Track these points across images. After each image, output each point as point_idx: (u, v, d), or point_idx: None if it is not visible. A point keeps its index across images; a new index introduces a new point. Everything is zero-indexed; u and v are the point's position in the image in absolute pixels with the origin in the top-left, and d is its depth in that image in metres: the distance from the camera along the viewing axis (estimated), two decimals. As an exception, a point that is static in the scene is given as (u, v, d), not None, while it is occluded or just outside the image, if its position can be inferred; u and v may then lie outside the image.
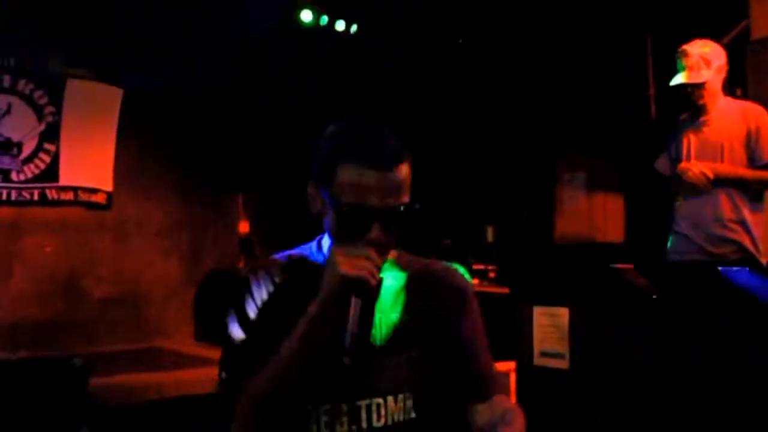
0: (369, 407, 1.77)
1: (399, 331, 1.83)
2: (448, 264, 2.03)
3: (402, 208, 1.72)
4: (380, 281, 1.68)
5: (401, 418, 1.80)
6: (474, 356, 1.90)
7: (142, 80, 7.33)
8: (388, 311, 1.83)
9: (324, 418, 1.74)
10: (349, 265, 1.63)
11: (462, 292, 1.96)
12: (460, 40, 7.62)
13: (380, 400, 1.77)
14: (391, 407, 1.78)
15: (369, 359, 1.76)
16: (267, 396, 1.70)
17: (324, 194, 1.77)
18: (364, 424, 1.76)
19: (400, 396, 1.79)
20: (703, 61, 4.25)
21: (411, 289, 1.89)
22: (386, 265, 1.79)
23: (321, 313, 1.67)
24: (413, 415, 1.81)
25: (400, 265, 1.92)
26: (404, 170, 1.73)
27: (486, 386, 1.88)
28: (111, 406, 4.95)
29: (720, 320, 3.69)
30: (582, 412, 4.02)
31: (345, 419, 1.75)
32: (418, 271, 1.93)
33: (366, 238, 1.69)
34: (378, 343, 1.80)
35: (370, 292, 1.66)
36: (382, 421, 1.77)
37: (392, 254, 1.87)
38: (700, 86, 4.27)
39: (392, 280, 1.87)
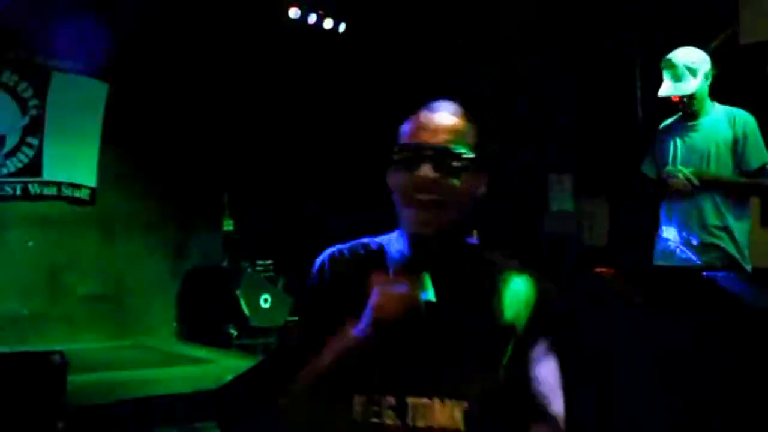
0: (416, 406, 1.68)
1: (472, 335, 1.72)
2: (539, 276, 1.83)
3: (456, 150, 1.69)
4: (419, 307, 1.65)
5: (447, 425, 1.68)
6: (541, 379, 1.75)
7: (128, 75, 7.29)
8: (465, 313, 1.74)
9: (372, 408, 1.70)
10: (380, 310, 1.64)
11: (547, 310, 1.78)
12: (460, 41, 7.61)
13: (427, 401, 1.68)
14: (438, 410, 1.68)
15: (430, 356, 1.71)
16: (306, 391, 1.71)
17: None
18: (410, 422, 1.68)
19: (449, 402, 1.68)
20: (689, 71, 4.23)
21: (496, 296, 1.76)
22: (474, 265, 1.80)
23: (357, 343, 1.67)
24: (462, 426, 1.67)
25: (493, 264, 1.83)
26: (462, 123, 1.75)
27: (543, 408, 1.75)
28: (90, 404, 4.92)
29: (704, 326, 3.69)
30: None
31: (391, 413, 1.69)
32: (506, 277, 1.80)
33: (414, 174, 1.68)
34: (445, 342, 1.72)
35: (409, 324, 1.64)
36: (425, 423, 1.68)
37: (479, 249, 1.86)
38: (686, 97, 4.27)
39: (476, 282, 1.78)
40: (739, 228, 4.20)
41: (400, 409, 1.67)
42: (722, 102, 4.39)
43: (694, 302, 3.73)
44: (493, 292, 1.75)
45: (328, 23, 7.51)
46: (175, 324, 7.81)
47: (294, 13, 7.30)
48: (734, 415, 3.53)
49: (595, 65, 6.30)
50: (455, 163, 1.69)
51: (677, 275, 4.12)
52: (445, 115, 1.74)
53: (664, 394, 3.72)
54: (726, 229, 4.18)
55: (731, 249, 4.17)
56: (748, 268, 4.19)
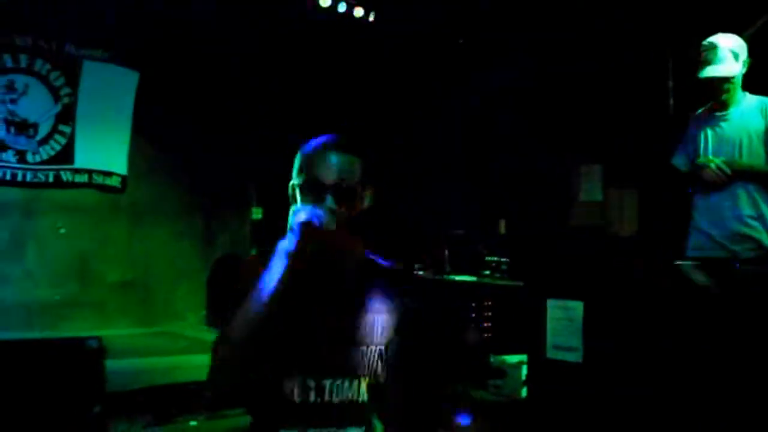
0: (331, 385, 2.11)
1: (367, 326, 2.18)
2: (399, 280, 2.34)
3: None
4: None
5: (355, 399, 2.13)
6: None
7: (158, 64, 7.34)
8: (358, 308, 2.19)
9: (297, 388, 2.08)
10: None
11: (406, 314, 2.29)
12: (461, 41, 7.62)
13: (340, 381, 2.11)
14: (348, 387, 2.12)
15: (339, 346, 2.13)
16: (242, 339, 1.96)
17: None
18: (327, 398, 2.09)
19: (356, 380, 2.13)
20: (731, 54, 4.21)
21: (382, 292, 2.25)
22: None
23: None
24: (365, 397, 2.14)
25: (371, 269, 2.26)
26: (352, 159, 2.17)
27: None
28: (119, 389, 4.97)
29: (736, 317, 3.67)
30: (594, 406, 4.01)
31: (312, 392, 2.09)
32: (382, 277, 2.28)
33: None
34: (347, 333, 2.16)
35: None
36: (339, 398, 2.11)
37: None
38: (727, 79, 4.24)
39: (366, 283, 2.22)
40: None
41: (319, 389, 2.09)
42: (755, 92, 4.36)
43: (727, 293, 3.72)
44: (375, 289, 2.23)
45: (358, 12, 7.51)
46: (203, 311, 7.86)
47: (324, 1, 7.30)
48: (763, 402, 3.52)
49: (626, 54, 6.27)
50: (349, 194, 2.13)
51: (710, 267, 4.10)
52: (338, 155, 2.15)
53: (691, 384, 3.72)
54: (760, 219, 4.15)
55: (765, 239, 4.14)
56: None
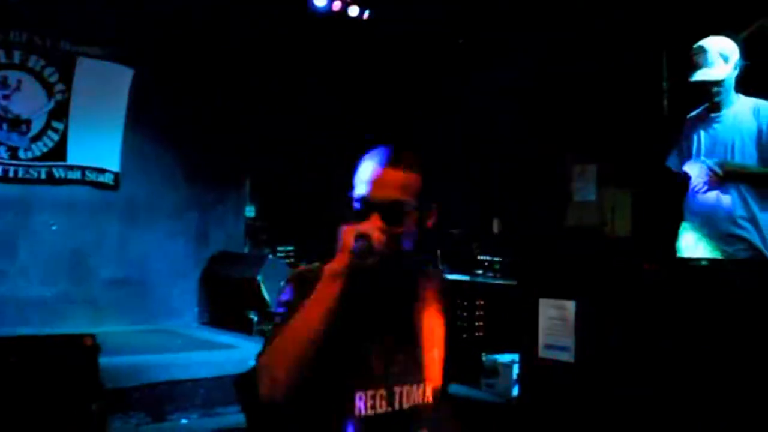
0: (401, 393, 2.09)
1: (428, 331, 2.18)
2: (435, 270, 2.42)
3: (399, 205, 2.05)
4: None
5: (421, 402, 2.12)
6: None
7: (152, 61, 7.33)
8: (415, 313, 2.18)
9: (370, 401, 2.05)
10: (347, 243, 1.96)
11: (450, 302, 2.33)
12: (461, 41, 7.62)
13: (409, 387, 2.10)
14: (416, 392, 2.11)
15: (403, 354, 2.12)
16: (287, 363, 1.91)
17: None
18: (397, 407, 2.08)
19: (422, 384, 2.13)
20: (721, 57, 4.22)
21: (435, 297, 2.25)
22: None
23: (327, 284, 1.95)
24: (431, 400, 2.14)
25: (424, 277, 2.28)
26: (406, 176, 2.08)
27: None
28: (113, 387, 4.96)
29: (728, 318, 3.68)
30: (586, 405, 4.01)
31: (383, 402, 2.06)
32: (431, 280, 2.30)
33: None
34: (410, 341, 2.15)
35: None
36: (408, 404, 2.10)
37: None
38: (717, 82, 4.25)
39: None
40: (765, 219, 4.17)
41: (390, 398, 2.07)
42: (751, 94, 4.37)
43: (718, 294, 3.73)
44: (431, 298, 2.23)
45: (353, 11, 7.50)
46: (197, 309, 7.86)
47: (320, 1, 7.30)
48: (754, 403, 3.52)
49: (626, 54, 6.27)
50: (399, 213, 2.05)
51: (702, 266, 4.11)
52: (392, 171, 2.05)
53: (683, 384, 3.72)
54: (752, 220, 4.16)
55: (756, 240, 4.15)
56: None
